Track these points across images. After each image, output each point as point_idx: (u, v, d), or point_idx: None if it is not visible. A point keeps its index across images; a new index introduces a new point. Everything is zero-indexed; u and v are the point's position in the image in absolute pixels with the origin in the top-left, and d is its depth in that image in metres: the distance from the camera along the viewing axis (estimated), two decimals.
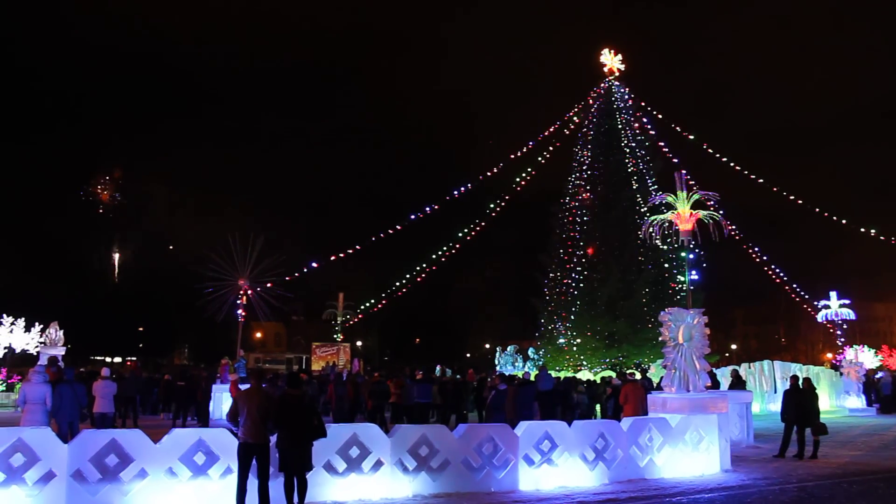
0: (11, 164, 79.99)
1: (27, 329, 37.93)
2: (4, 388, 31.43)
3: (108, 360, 66.87)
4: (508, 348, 44.66)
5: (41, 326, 36.67)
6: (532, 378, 22.19)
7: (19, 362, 38.91)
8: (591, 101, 55.66)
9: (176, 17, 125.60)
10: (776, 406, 24.93)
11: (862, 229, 48.67)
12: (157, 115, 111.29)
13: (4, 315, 38.21)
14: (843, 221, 49.44)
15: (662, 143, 51.92)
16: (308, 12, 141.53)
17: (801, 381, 17.11)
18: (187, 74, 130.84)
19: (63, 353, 31.38)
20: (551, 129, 52.90)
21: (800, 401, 16.41)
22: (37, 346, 36.10)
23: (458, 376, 30.64)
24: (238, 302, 32.83)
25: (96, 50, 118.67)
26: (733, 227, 28.81)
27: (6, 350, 37.55)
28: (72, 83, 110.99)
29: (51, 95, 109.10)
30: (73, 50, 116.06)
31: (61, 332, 33.30)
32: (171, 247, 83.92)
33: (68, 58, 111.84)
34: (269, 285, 33.98)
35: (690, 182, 28.25)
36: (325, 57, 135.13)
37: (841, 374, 34.93)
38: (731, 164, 49.05)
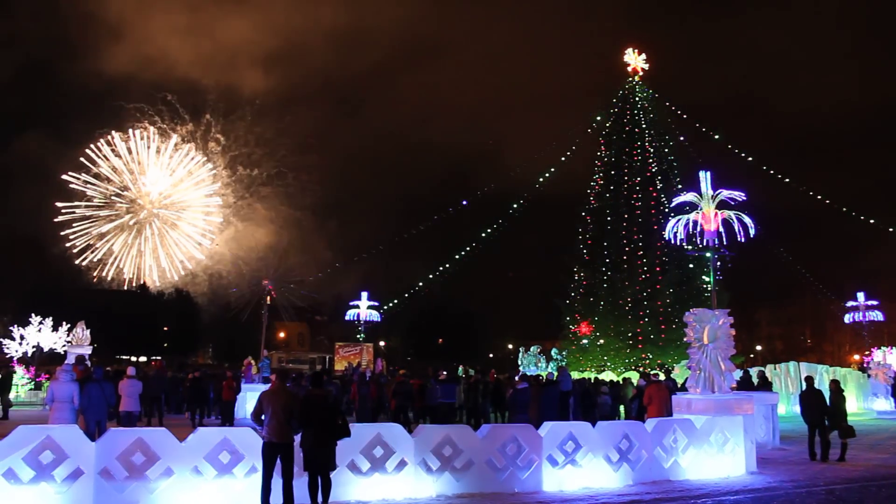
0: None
1: (55, 328, 38.42)
2: (32, 387, 31.80)
3: (134, 359, 67.52)
4: (531, 349, 44.46)
5: (68, 326, 37.13)
6: (554, 379, 22.10)
7: (47, 361, 39.43)
8: (614, 101, 55.49)
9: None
10: None
11: (891, 229, 48.10)
12: None
13: (32, 314, 38.76)
14: (872, 221, 48.90)
15: (687, 143, 51.68)
16: (344, 22, 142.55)
17: (828, 383, 16.89)
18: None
19: (90, 351, 31.78)
20: (575, 130, 52.87)
21: (815, 402, 16.19)
22: (64, 345, 36.57)
23: (473, 375, 30.31)
24: (262, 302, 33.05)
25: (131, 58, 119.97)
26: (758, 226, 28.47)
27: (34, 349, 38.08)
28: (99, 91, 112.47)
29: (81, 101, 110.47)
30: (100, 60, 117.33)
31: (88, 331, 33.70)
32: (217, 244, 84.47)
33: (88, 66, 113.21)
34: (292, 286, 34.24)
35: (715, 182, 28.13)
36: (349, 63, 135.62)
37: (868, 375, 34.50)
38: (758, 164, 48.74)
